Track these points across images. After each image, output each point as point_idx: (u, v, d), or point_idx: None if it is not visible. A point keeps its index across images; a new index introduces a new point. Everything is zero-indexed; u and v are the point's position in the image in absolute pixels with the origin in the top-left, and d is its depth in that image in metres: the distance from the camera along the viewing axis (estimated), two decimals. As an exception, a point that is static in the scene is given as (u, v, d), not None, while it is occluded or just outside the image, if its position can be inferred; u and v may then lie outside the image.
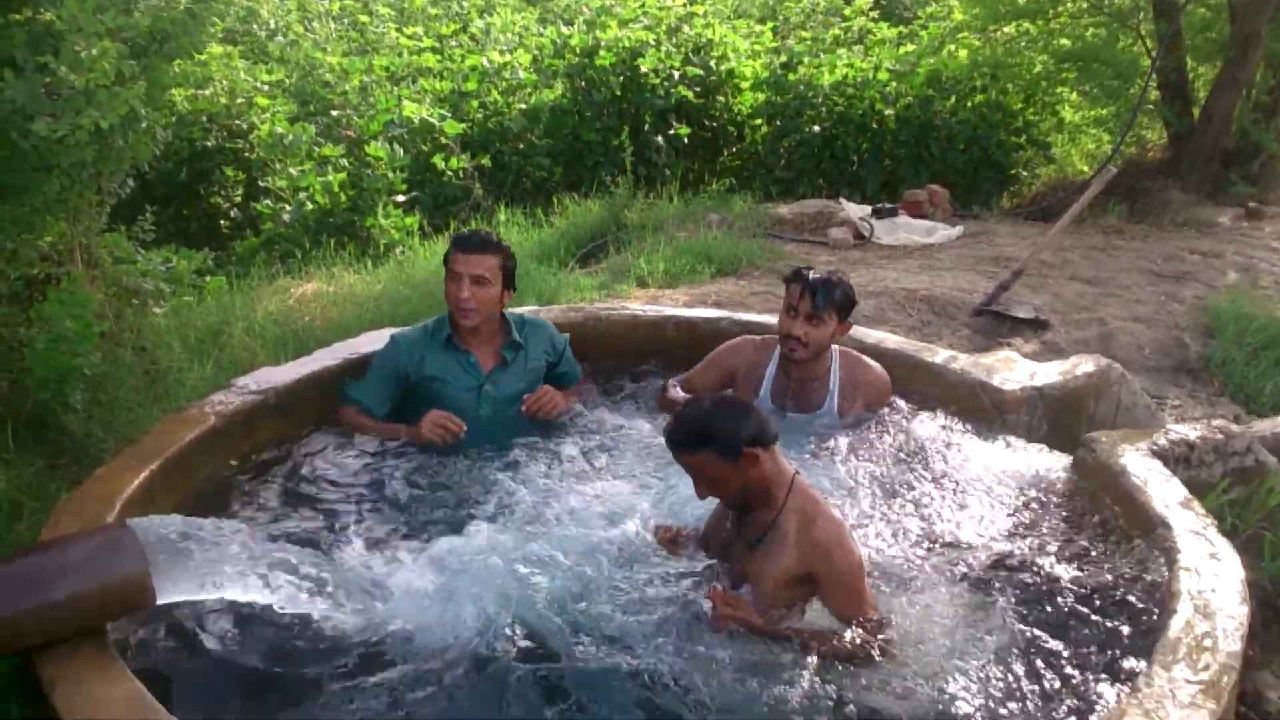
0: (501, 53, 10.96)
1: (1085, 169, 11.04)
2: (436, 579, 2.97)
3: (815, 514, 2.85)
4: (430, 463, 3.76)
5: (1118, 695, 2.54)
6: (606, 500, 3.46)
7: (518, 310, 4.35)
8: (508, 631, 2.76)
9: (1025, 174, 10.74)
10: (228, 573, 2.68)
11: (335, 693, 2.62)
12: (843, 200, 8.82)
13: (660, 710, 2.54)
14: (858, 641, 2.70)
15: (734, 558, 2.96)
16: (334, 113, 9.45)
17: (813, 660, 2.66)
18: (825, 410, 3.95)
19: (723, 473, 2.81)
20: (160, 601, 2.57)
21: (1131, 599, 2.96)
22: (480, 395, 4.01)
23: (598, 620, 2.81)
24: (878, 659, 2.68)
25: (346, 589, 2.86)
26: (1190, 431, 3.59)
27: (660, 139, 10.08)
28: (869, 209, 8.53)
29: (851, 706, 2.57)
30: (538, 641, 2.75)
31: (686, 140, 10.26)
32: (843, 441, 3.81)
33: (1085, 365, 4.11)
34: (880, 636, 2.72)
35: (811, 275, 3.79)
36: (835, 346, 3.97)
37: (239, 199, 9.21)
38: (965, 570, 3.09)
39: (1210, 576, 2.77)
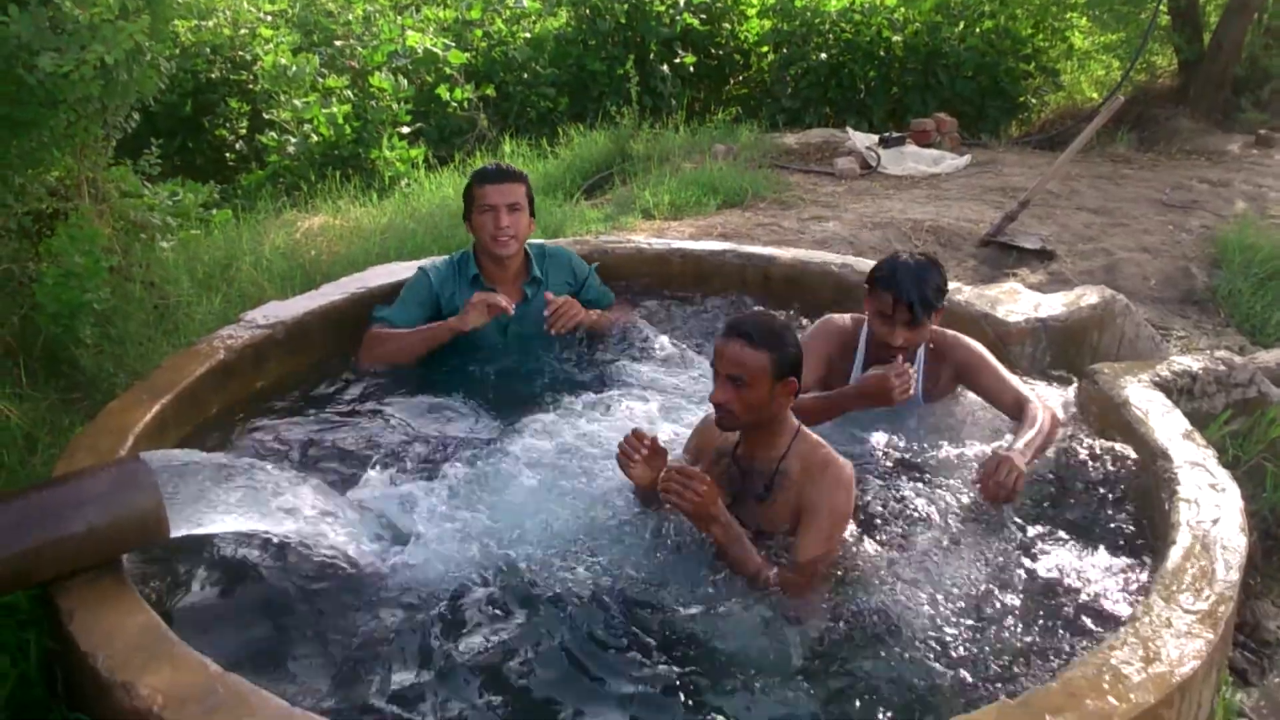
0: (506, -20, 10.85)
1: (1095, 96, 10.93)
2: (453, 515, 2.99)
3: (827, 459, 2.87)
4: (449, 397, 3.78)
5: (1117, 625, 2.58)
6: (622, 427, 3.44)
7: (537, 241, 4.36)
8: (523, 571, 2.79)
9: (1034, 102, 10.65)
10: (240, 506, 2.71)
11: (346, 627, 2.65)
12: (849, 129, 8.77)
13: (670, 652, 2.58)
14: (805, 578, 2.75)
15: (744, 516, 2.88)
16: (337, 43, 9.36)
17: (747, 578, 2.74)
18: (912, 399, 3.46)
19: (761, 387, 2.76)
20: (174, 534, 2.60)
21: (1132, 530, 3.01)
22: (506, 333, 4.05)
23: (613, 565, 2.84)
24: (808, 599, 2.73)
25: (361, 524, 2.90)
26: (1193, 363, 3.60)
27: (666, 68, 10.00)
28: (876, 138, 8.48)
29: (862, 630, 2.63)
30: (551, 580, 2.77)
31: (692, 69, 10.18)
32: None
33: (1089, 297, 4.11)
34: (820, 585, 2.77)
35: (900, 276, 3.30)
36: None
37: (244, 131, 9.16)
38: (965, 503, 3.12)
39: (1210, 507, 2.80)
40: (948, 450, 3.37)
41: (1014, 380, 3.44)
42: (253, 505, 2.76)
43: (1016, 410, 3.33)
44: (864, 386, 3.33)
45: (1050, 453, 3.31)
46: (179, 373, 3.55)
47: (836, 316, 3.72)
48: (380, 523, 2.96)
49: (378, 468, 3.26)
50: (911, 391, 3.30)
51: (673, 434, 3.37)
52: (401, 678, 2.49)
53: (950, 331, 3.59)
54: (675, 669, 2.51)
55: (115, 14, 3.71)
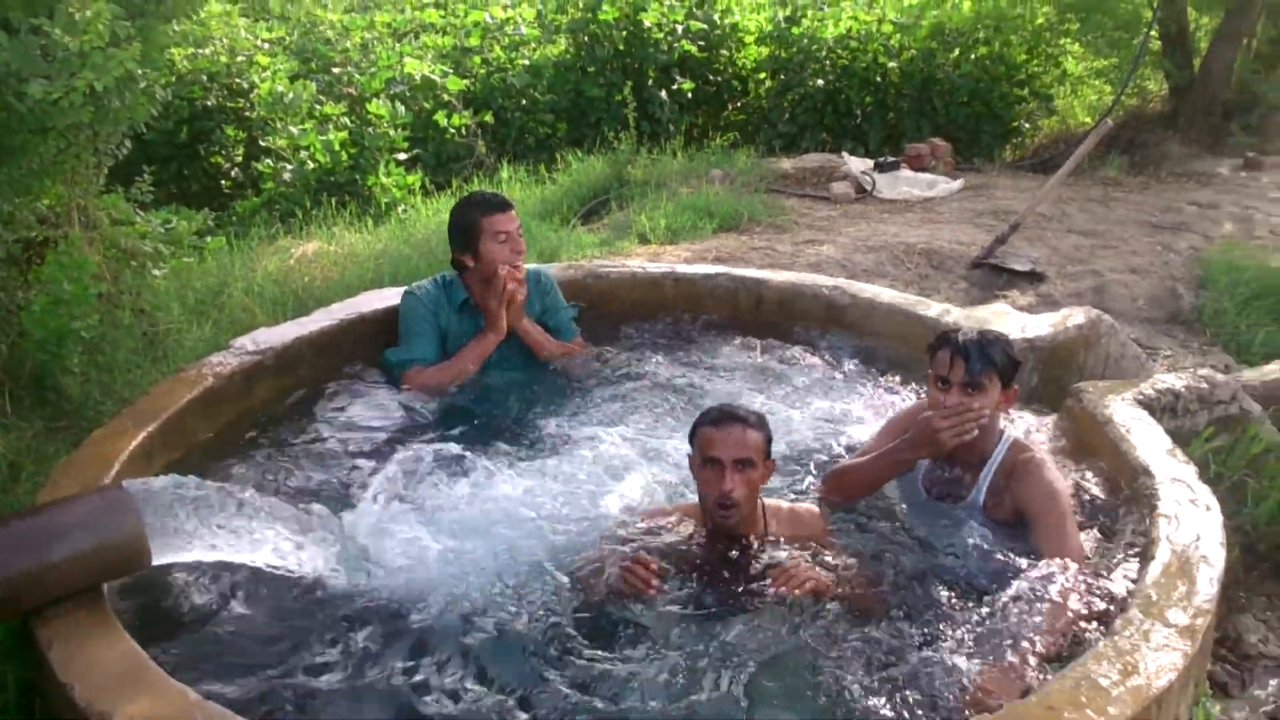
0: (504, 8, 10.93)
1: (1087, 120, 10.98)
2: (435, 542, 3.00)
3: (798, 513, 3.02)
4: (431, 421, 3.80)
5: (1096, 638, 2.59)
6: (605, 463, 3.47)
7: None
8: (501, 597, 2.80)
9: (1027, 126, 10.70)
10: (223, 534, 2.71)
11: (324, 654, 2.65)
12: (845, 154, 8.83)
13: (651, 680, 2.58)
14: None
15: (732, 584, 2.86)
16: (335, 70, 9.43)
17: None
18: (969, 504, 3.15)
19: (761, 465, 2.86)
20: (156, 562, 2.60)
21: (1114, 546, 3.01)
22: (491, 358, 4.07)
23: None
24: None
25: (344, 550, 2.91)
26: (1176, 381, 3.62)
27: (664, 94, 10.05)
28: (871, 163, 8.53)
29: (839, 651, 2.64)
30: (531, 606, 2.79)
31: (690, 95, 10.24)
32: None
33: (1075, 317, 4.14)
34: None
35: (959, 334, 3.06)
36: (1008, 432, 3.20)
37: (239, 158, 9.21)
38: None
39: (1190, 523, 2.82)
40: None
41: (1074, 542, 2.94)
42: (235, 533, 2.76)
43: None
44: (910, 436, 3.07)
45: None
46: (166, 400, 3.55)
47: (924, 402, 3.31)
48: (361, 550, 2.96)
49: (360, 495, 3.27)
50: (968, 433, 3.00)
51: (649, 479, 3.40)
52: (378, 703, 2.50)
53: (1040, 456, 3.12)
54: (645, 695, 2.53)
55: (106, 41, 3.75)
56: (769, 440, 2.87)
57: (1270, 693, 3.14)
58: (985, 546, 3.01)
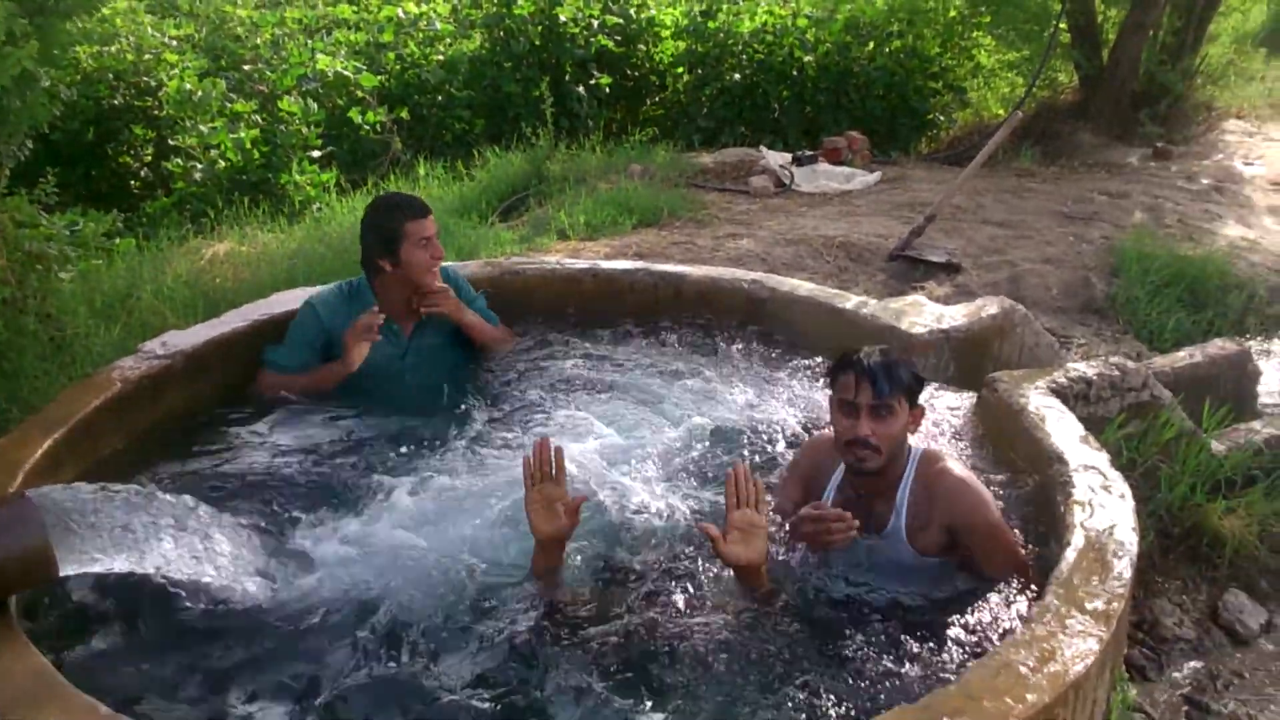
0: (418, 3, 10.81)
1: (1001, 112, 11.16)
2: (348, 545, 2.96)
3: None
4: (350, 426, 3.73)
5: (1014, 627, 2.62)
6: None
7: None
8: (420, 599, 2.77)
9: (942, 119, 10.87)
10: (133, 543, 2.63)
11: (240, 661, 2.61)
12: (764, 148, 8.87)
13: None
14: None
15: None
16: (246, 67, 9.25)
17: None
18: (890, 531, 2.93)
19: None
20: (64, 573, 2.52)
21: (1030, 534, 3.05)
22: (404, 361, 4.00)
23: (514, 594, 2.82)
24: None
25: (257, 555, 2.85)
26: (1088, 369, 3.67)
27: (581, 89, 10.03)
28: (789, 157, 8.58)
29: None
30: (444, 608, 2.75)
31: (608, 90, 10.23)
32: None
33: (990, 307, 4.18)
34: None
35: (860, 355, 2.86)
36: (915, 445, 3.00)
37: (149, 158, 9.02)
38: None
39: (1103, 509, 2.85)
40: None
41: (1015, 553, 2.86)
42: (146, 540, 2.67)
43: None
44: (796, 525, 2.90)
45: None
46: (73, 406, 3.44)
47: (823, 434, 3.19)
48: (277, 554, 2.91)
49: (275, 498, 3.20)
50: (837, 544, 2.83)
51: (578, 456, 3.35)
52: (296, 709, 2.45)
53: (953, 467, 2.92)
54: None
55: (1, 40, 3.63)
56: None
57: (1186, 675, 3.21)
58: (918, 578, 2.87)
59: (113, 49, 9.02)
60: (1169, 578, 3.58)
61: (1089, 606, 2.50)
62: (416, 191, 7.68)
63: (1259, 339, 5.97)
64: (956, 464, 2.95)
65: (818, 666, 2.58)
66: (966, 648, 2.64)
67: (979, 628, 2.71)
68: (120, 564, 2.65)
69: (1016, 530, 2.94)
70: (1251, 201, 8.42)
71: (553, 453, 2.80)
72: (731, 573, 2.77)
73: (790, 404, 3.82)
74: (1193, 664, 3.30)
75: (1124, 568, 2.64)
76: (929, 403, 3.49)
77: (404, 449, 3.57)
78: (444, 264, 4.26)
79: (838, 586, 2.86)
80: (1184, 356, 4.48)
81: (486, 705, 2.45)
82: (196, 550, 2.76)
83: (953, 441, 3.56)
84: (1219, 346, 4.61)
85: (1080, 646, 2.37)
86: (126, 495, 2.75)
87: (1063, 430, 3.21)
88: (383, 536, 3.00)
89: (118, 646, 2.69)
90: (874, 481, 2.91)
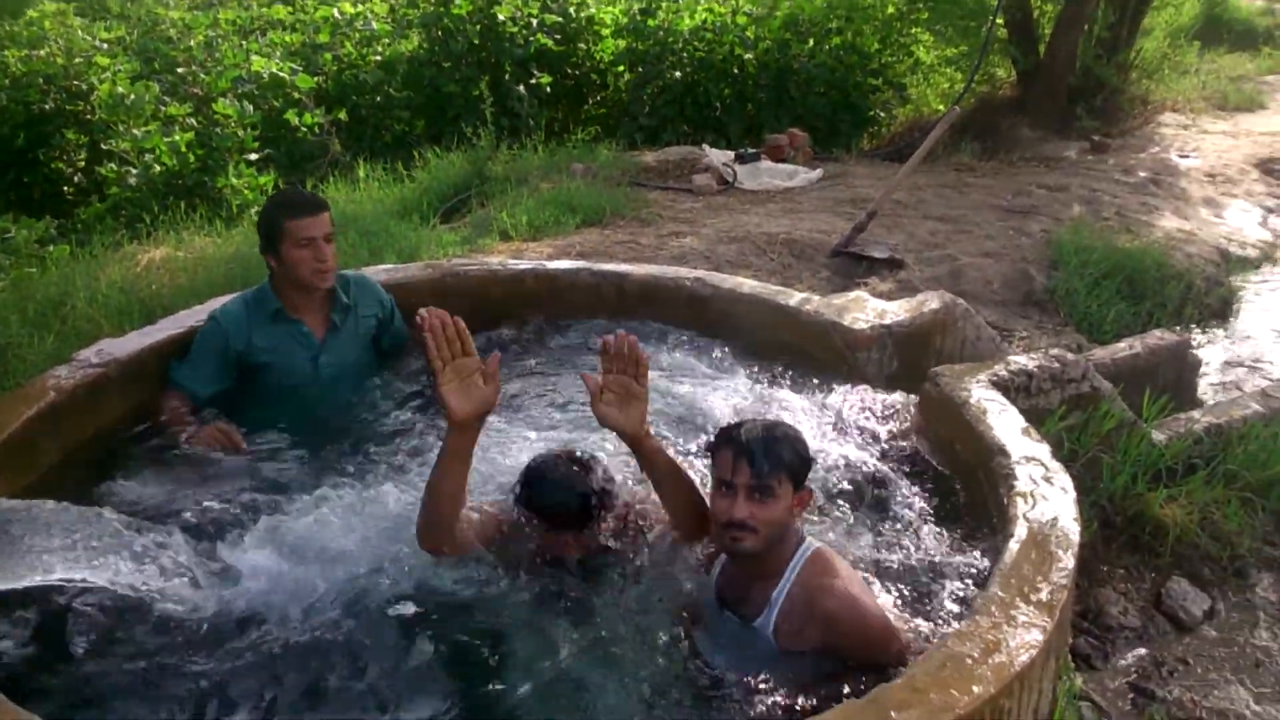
0: (354, 3, 10.70)
1: (941, 108, 11.24)
2: (284, 558, 2.91)
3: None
4: (277, 436, 3.67)
5: (959, 620, 2.63)
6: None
7: (342, 270, 4.15)
8: (355, 606, 2.74)
9: (883, 115, 10.94)
10: (67, 555, 2.60)
11: (181, 670, 2.57)
12: (706, 146, 8.87)
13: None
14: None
15: None
16: (179, 70, 9.09)
17: None
18: (759, 625, 2.65)
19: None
20: (-1, 588, 2.49)
21: (974, 526, 3.07)
22: (318, 365, 3.89)
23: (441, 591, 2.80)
24: None
25: (191, 564, 2.80)
26: (1029, 362, 3.70)
27: (522, 88, 9.97)
28: (732, 154, 8.59)
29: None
30: (382, 611, 2.73)
31: (549, 89, 10.18)
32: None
33: (931, 302, 4.21)
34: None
35: (743, 428, 2.63)
36: (808, 542, 2.69)
37: (82, 163, 8.82)
38: (816, 510, 3.15)
39: (1045, 500, 2.87)
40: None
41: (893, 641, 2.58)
42: (80, 553, 2.64)
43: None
44: None
45: (894, 456, 3.38)
46: (7, 417, 3.37)
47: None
48: (212, 562, 2.87)
49: (210, 510, 3.16)
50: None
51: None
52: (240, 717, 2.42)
53: (836, 586, 2.58)
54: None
55: (-78, 43, 3.54)
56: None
57: (1131, 662, 3.25)
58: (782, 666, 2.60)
59: (42, 52, 8.82)
60: (1113, 566, 3.62)
61: (1033, 597, 2.52)
62: (355, 194, 7.61)
63: (1198, 329, 6.06)
64: (841, 578, 2.59)
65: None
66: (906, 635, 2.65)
67: (916, 612, 2.73)
68: (57, 577, 2.60)
69: (899, 620, 2.67)
70: (1187, 193, 8.56)
71: (455, 327, 2.66)
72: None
73: (728, 401, 3.81)
74: (1138, 651, 3.33)
75: (1067, 558, 2.67)
76: (817, 477, 3.17)
77: (327, 459, 3.53)
78: (352, 272, 4.18)
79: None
80: (1124, 347, 4.52)
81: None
82: (133, 563, 2.73)
83: (895, 432, 3.57)
84: (1158, 337, 4.67)
85: (1025, 637, 2.39)
86: (62, 508, 2.72)
87: (1004, 423, 3.24)
88: (312, 548, 2.96)
89: (52, 660, 2.63)
90: (751, 565, 2.66)
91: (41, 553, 2.58)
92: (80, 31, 9.23)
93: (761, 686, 2.52)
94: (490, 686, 2.52)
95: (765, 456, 2.56)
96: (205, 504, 3.23)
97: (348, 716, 2.47)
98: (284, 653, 2.61)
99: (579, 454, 2.83)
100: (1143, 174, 8.90)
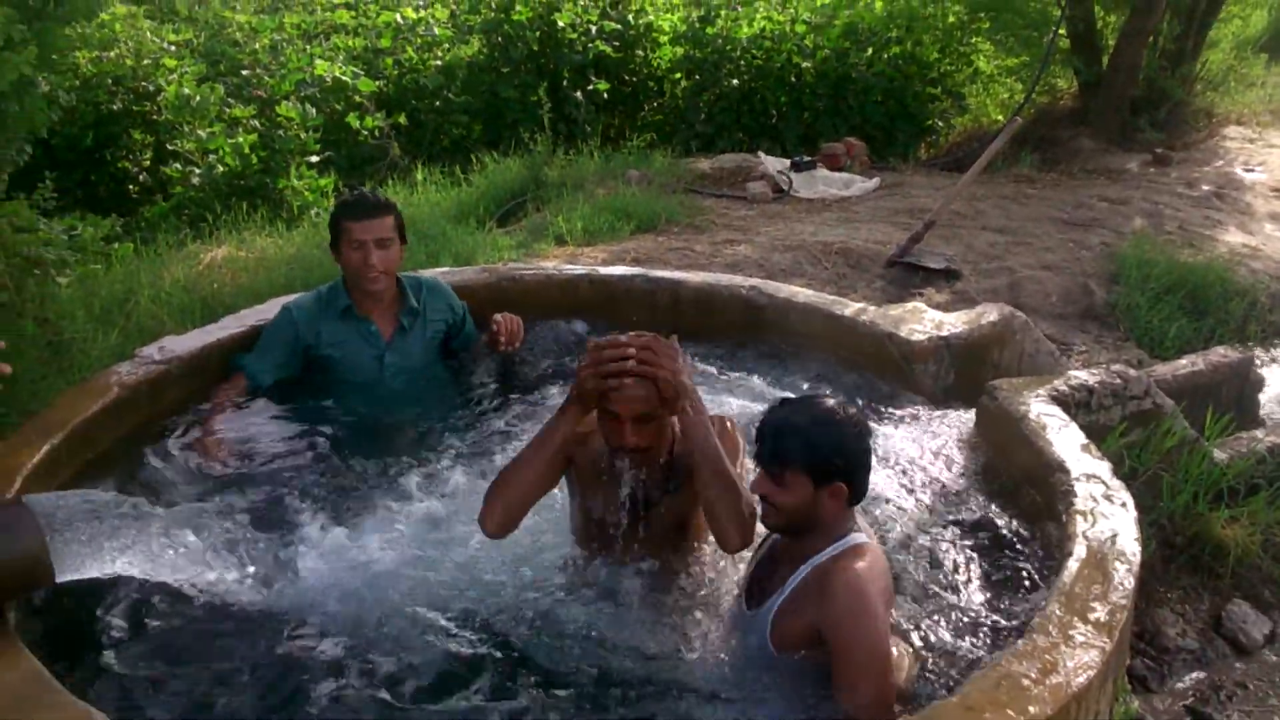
0: (416, 8, 10.80)
1: (1000, 118, 11.14)
2: (338, 551, 2.95)
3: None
4: (339, 435, 3.71)
5: (1015, 638, 2.60)
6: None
7: (416, 273, 4.27)
8: (416, 615, 2.75)
9: (941, 125, 10.84)
10: (129, 547, 2.63)
11: (235, 667, 2.60)
12: (761, 154, 8.85)
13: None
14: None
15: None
16: (244, 72, 9.23)
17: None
18: (764, 610, 2.57)
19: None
20: (61, 579, 2.52)
21: (1031, 543, 3.04)
22: (382, 364, 3.95)
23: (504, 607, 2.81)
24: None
25: (252, 565, 2.84)
26: (1089, 377, 3.66)
27: (579, 95, 10.01)
28: (787, 163, 8.56)
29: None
30: (440, 621, 2.74)
31: (606, 96, 10.21)
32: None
33: (990, 314, 4.17)
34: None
35: (769, 413, 2.58)
36: (854, 538, 2.52)
37: (147, 163, 8.99)
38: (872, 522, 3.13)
39: (1104, 519, 2.84)
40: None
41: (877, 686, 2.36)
42: (142, 546, 2.68)
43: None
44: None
45: (951, 470, 3.36)
46: (70, 411, 3.43)
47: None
48: (270, 558, 2.91)
49: (272, 508, 3.20)
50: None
51: None
52: (282, 716, 2.45)
53: (854, 567, 2.43)
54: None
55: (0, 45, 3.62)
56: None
57: (1189, 685, 3.19)
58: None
59: (112, 54, 8.99)
60: (1171, 587, 3.56)
61: (1091, 617, 2.49)
62: (413, 197, 7.67)
63: (1261, 347, 5.95)
64: (867, 569, 2.43)
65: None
66: (960, 652, 2.62)
67: (970, 630, 2.71)
68: (119, 569, 2.64)
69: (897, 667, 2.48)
70: (1252, 208, 8.40)
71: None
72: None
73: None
74: (1195, 675, 3.28)
75: (1126, 578, 2.63)
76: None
77: (389, 459, 3.56)
78: (426, 275, 4.23)
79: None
80: (1186, 364, 4.46)
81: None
82: (189, 557, 2.77)
83: (952, 445, 3.54)
84: (1221, 354, 4.59)
85: (1083, 658, 2.36)
86: (124, 501, 2.75)
87: (1064, 439, 3.20)
88: (369, 548, 2.99)
89: (112, 651, 2.68)
90: (785, 543, 2.62)
91: (106, 545, 2.62)
92: (149, 34, 9.39)
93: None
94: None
95: (771, 443, 2.50)
96: (265, 499, 3.28)
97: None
98: (322, 654, 2.64)
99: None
100: (1206, 188, 8.75)
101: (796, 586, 2.51)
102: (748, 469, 2.80)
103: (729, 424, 2.89)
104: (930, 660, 2.61)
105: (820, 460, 2.47)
